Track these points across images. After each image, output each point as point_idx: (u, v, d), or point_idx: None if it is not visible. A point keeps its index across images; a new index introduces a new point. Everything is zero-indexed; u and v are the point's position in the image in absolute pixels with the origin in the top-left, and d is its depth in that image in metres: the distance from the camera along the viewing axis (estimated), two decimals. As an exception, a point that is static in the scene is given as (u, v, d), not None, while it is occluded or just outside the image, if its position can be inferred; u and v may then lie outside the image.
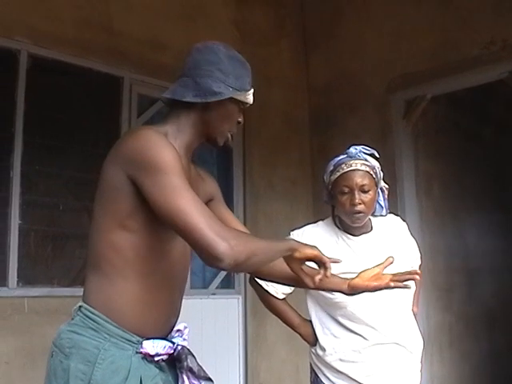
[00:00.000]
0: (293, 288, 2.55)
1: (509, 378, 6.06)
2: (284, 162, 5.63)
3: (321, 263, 1.93)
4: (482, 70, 4.72)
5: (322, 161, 5.61)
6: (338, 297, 2.44)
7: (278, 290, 2.64)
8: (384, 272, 2.18)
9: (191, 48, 1.96)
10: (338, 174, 2.56)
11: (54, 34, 4.20)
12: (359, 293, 2.18)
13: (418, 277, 2.13)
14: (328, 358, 2.58)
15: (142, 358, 1.77)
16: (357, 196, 2.47)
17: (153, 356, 1.78)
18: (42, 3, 4.18)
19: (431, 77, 4.98)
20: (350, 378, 2.53)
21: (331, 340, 2.58)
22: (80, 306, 1.80)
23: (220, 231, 1.62)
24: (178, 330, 1.92)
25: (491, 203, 6.62)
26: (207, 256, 1.62)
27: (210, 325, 4.83)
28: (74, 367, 1.70)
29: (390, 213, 2.74)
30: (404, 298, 2.61)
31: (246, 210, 5.34)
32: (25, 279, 3.99)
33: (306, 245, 1.95)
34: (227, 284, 5.18)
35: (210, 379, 1.89)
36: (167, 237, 1.81)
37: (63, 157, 4.19)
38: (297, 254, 1.91)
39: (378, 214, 2.67)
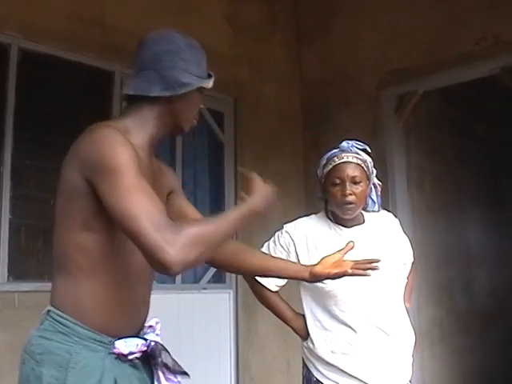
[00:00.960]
0: (286, 280, 2.61)
1: (500, 374, 6.09)
2: (276, 157, 5.63)
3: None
4: (474, 66, 4.73)
5: (315, 156, 5.68)
6: (329, 285, 2.49)
7: (270, 282, 2.66)
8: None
9: (144, 39, 1.91)
10: (330, 166, 2.63)
11: (45, 27, 4.18)
12: (321, 280, 2.22)
13: (377, 266, 2.20)
14: (319, 351, 2.59)
15: (116, 359, 1.75)
16: (348, 187, 2.53)
17: (126, 355, 1.76)
18: (32, -4, 4.16)
19: (423, 72, 4.99)
20: (341, 370, 2.54)
21: (322, 332, 2.60)
22: (48, 311, 1.77)
23: (166, 236, 1.54)
24: (150, 326, 1.91)
25: (485, 198, 6.64)
26: (152, 263, 1.58)
27: (201, 319, 4.83)
28: (46, 374, 1.68)
29: (383, 209, 2.78)
30: (395, 291, 2.63)
31: (237, 203, 5.32)
32: (15, 274, 3.98)
33: (254, 197, 1.96)
34: (218, 279, 5.18)
35: (185, 373, 1.88)
36: None
37: (54, 151, 4.16)
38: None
39: (371, 210, 2.71)
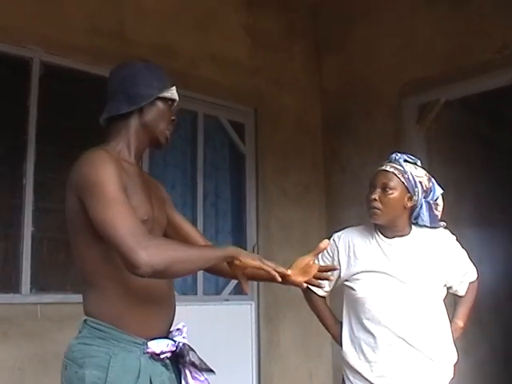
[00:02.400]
0: (332, 286, 2.77)
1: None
2: (297, 168, 5.62)
3: (266, 272, 1.99)
4: (495, 74, 4.69)
5: (335, 166, 5.71)
6: (359, 293, 2.61)
7: (319, 288, 2.70)
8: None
9: (110, 72, 2.20)
10: (373, 175, 2.69)
11: (66, 41, 4.21)
12: (289, 284, 2.24)
13: (332, 277, 2.38)
14: (349, 358, 2.66)
15: (149, 358, 1.92)
16: (375, 193, 2.60)
17: (159, 354, 1.93)
18: (54, 11, 4.20)
19: (444, 81, 4.96)
20: (364, 377, 2.60)
21: (352, 339, 2.67)
22: (85, 320, 1.95)
23: (141, 240, 1.75)
24: (178, 329, 2.06)
25: (506, 209, 6.56)
26: (126, 263, 1.75)
27: (223, 331, 4.81)
28: (88, 374, 1.84)
29: (444, 228, 2.81)
30: (427, 307, 2.62)
31: (258, 216, 5.33)
32: (38, 286, 4.00)
33: (248, 254, 2.02)
34: (240, 290, 5.16)
35: (211, 370, 2.05)
36: None
37: (76, 164, 4.19)
38: (237, 263, 1.99)
39: (422, 225, 2.73)
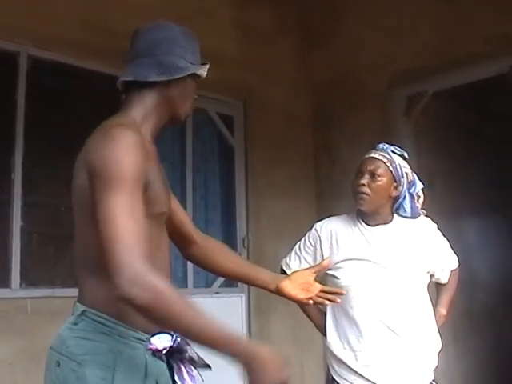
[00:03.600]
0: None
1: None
2: (286, 160, 5.63)
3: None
4: (483, 65, 4.71)
5: (325, 158, 5.73)
6: (343, 281, 2.61)
7: None
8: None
9: (138, 30, 1.96)
10: (360, 161, 2.70)
11: (53, 35, 4.19)
12: (283, 296, 2.20)
13: (339, 300, 2.21)
14: (333, 348, 2.67)
15: (152, 355, 1.75)
16: (364, 178, 2.61)
17: (161, 351, 1.76)
18: (41, 5, 4.17)
19: (432, 73, 4.97)
20: (349, 367, 2.60)
21: (336, 329, 2.67)
22: (83, 311, 1.74)
23: (134, 263, 1.54)
24: None
25: (494, 201, 6.60)
26: (112, 278, 1.55)
27: (214, 324, 4.82)
28: (90, 374, 1.65)
29: (424, 216, 2.82)
30: (411, 294, 2.64)
31: (248, 208, 5.34)
32: (27, 280, 4.00)
33: (261, 349, 1.68)
34: (230, 283, 5.18)
35: (208, 366, 1.87)
36: (157, 231, 1.80)
37: (64, 158, 4.14)
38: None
39: (403, 216, 2.74)
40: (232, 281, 5.12)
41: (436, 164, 5.66)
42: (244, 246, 5.22)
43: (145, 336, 1.75)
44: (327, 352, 2.73)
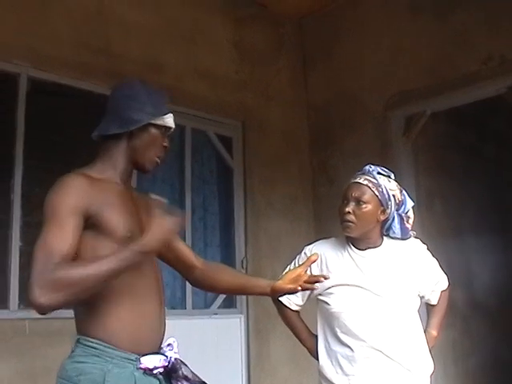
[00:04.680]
0: (305, 300, 2.75)
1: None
2: (284, 180, 5.64)
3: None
4: (481, 86, 4.74)
5: (322, 178, 5.73)
6: (334, 307, 2.60)
7: (291, 302, 2.75)
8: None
9: (111, 90, 2.21)
10: (346, 186, 2.67)
11: (53, 56, 4.22)
12: (282, 295, 2.32)
13: (321, 278, 2.25)
14: (326, 372, 2.65)
15: (143, 373, 1.93)
16: (349, 206, 2.59)
17: (152, 369, 1.94)
18: (40, 26, 4.21)
19: (430, 93, 5.00)
20: None
21: (329, 353, 2.65)
22: (78, 339, 1.94)
23: (42, 278, 1.75)
24: (169, 344, 2.05)
25: (492, 220, 6.60)
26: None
27: (213, 345, 4.80)
28: None
29: (414, 238, 2.78)
30: (402, 317, 2.62)
31: (247, 228, 5.34)
32: (26, 301, 3.97)
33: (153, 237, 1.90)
34: (229, 304, 5.17)
35: (204, 383, 2.05)
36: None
37: (64, 178, 4.19)
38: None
39: (393, 237, 2.72)
40: (231, 300, 5.13)
41: (435, 184, 5.67)
42: (243, 267, 5.21)
43: (134, 356, 1.93)
44: (320, 376, 2.70)
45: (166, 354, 2.01)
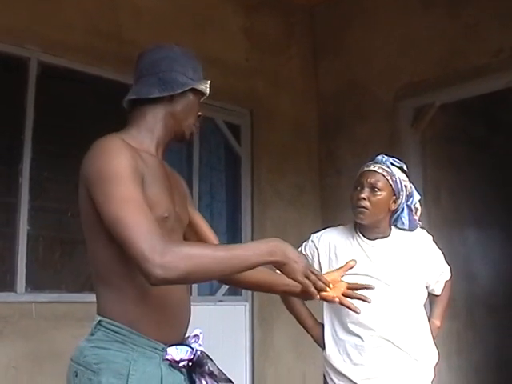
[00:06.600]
0: None
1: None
2: (292, 170, 5.64)
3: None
4: (491, 78, 4.72)
5: (330, 168, 5.73)
6: None
7: None
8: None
9: (141, 53, 2.03)
10: (358, 174, 2.68)
11: (63, 41, 4.23)
12: (310, 298, 2.10)
13: (369, 300, 2.11)
14: (333, 361, 2.65)
15: (169, 365, 1.77)
16: (363, 192, 2.58)
17: (178, 362, 1.79)
18: (51, 11, 4.21)
19: (440, 85, 4.99)
20: (351, 380, 2.58)
21: (336, 342, 2.65)
22: (100, 321, 1.77)
23: (156, 247, 1.58)
24: (195, 336, 1.92)
25: (497, 213, 6.58)
26: (139, 270, 1.61)
27: (217, 331, 4.82)
28: (105, 382, 1.68)
29: (420, 228, 2.79)
30: (409, 307, 2.64)
31: (253, 217, 5.35)
32: (33, 285, 4.01)
33: (293, 260, 1.79)
34: (234, 291, 5.18)
35: (230, 381, 1.91)
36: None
37: (72, 163, 4.15)
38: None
39: (401, 228, 2.73)
40: (236, 289, 5.15)
41: (442, 176, 5.66)
42: (249, 255, 5.21)
43: (160, 346, 1.77)
44: (325, 364, 2.71)
45: (192, 345, 1.87)
